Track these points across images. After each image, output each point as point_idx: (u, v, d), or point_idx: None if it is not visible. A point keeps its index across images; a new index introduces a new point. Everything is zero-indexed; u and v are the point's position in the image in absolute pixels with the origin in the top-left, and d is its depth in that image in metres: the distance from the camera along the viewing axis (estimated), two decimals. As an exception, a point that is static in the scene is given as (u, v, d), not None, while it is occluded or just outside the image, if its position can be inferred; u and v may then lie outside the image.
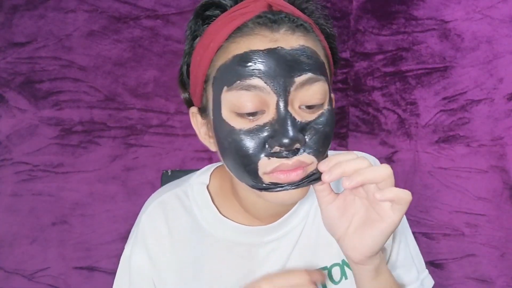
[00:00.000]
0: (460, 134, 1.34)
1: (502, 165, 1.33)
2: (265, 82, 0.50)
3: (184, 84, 0.62)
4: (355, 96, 1.40)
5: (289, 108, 0.50)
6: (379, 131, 1.39)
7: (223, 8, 0.55)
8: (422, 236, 1.37)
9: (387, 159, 1.38)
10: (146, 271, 0.65)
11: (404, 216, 0.71)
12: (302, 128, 0.51)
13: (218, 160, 0.62)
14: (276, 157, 0.50)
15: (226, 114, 0.52)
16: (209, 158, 1.38)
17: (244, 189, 0.59)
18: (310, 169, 0.53)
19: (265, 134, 0.51)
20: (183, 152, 1.38)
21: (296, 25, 0.53)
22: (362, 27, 1.38)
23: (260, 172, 0.52)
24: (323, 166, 0.51)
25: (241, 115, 0.51)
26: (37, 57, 1.32)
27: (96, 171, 1.35)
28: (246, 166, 0.52)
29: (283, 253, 0.66)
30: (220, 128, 0.53)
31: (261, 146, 0.51)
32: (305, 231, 0.67)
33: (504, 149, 1.32)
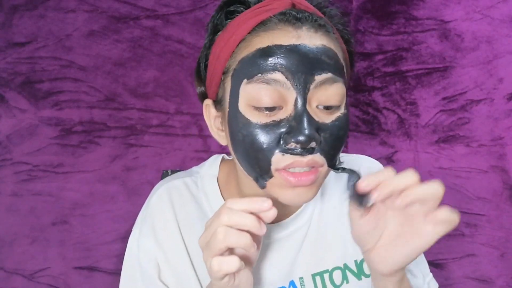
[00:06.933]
0: (460, 134, 1.34)
1: (502, 165, 1.33)
2: (286, 77, 0.50)
3: (200, 77, 0.62)
4: (355, 96, 1.40)
5: (307, 106, 0.51)
6: (379, 131, 1.39)
7: (247, 5, 0.56)
8: (422, 236, 1.37)
9: (387, 159, 1.38)
10: (152, 253, 0.65)
11: None
12: (318, 128, 0.51)
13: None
14: (291, 154, 0.50)
15: (243, 107, 0.52)
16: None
17: (250, 187, 0.59)
18: (323, 171, 0.53)
19: (281, 129, 0.50)
20: (183, 152, 1.38)
21: (319, 25, 0.53)
22: (362, 27, 1.38)
23: (272, 168, 0.51)
24: (364, 185, 0.47)
25: (258, 109, 0.51)
26: (37, 57, 1.32)
27: (96, 171, 1.35)
28: (259, 160, 0.51)
29: (286, 254, 0.66)
30: (235, 121, 0.53)
31: (276, 142, 0.51)
32: (309, 234, 0.67)
33: (504, 149, 1.32)
